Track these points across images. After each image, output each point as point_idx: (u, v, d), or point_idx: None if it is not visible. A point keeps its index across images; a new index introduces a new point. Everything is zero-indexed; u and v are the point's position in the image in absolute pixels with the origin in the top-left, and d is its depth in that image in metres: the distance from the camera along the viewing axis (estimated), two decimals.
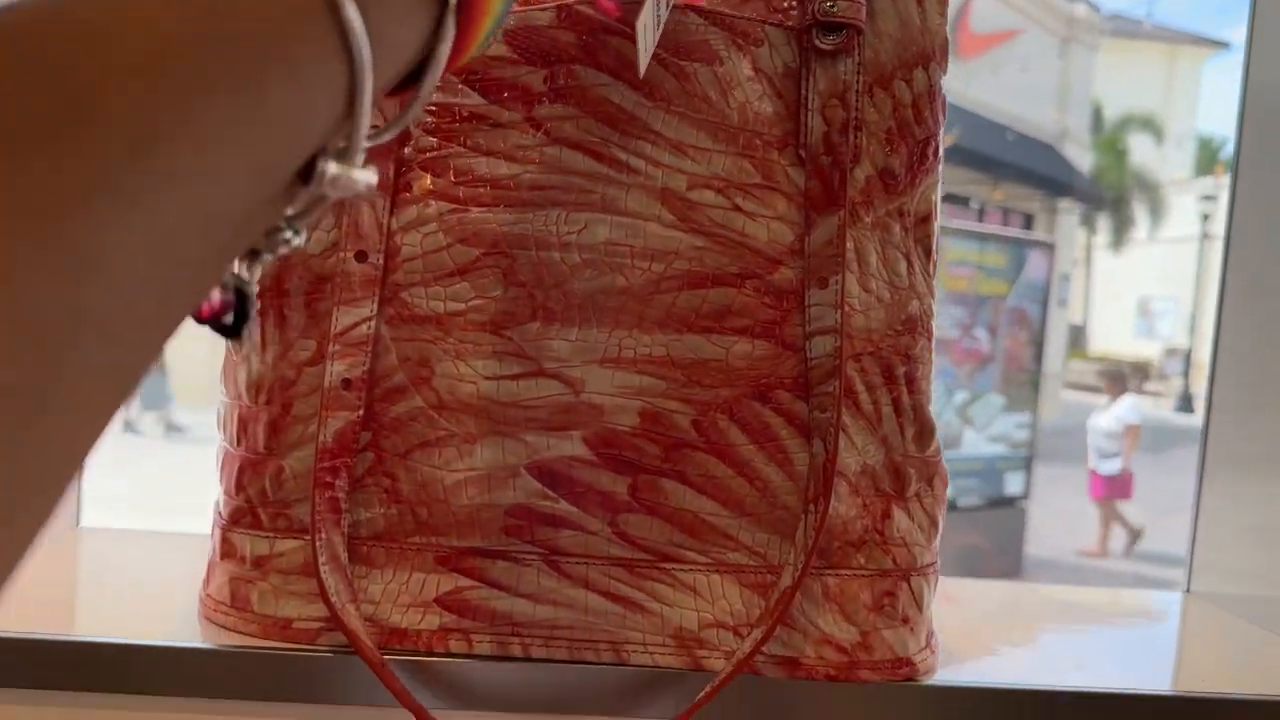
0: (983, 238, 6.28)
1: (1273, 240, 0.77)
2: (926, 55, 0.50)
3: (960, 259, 5.81)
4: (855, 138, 0.50)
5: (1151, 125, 13.97)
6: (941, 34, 0.51)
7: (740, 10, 0.49)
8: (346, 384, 0.49)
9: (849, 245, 0.49)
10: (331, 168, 0.26)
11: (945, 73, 0.51)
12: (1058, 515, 7.08)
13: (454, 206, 0.49)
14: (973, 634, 0.61)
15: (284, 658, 0.49)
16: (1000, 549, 5.80)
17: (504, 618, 0.50)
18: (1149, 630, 0.70)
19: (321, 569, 0.48)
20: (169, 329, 0.22)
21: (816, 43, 0.49)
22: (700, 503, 0.50)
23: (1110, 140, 13.54)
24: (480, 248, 0.49)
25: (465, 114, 0.49)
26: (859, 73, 0.49)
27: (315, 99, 0.24)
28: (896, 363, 0.51)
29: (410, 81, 0.30)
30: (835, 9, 0.49)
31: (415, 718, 0.47)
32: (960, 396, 5.88)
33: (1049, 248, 6.77)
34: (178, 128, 0.20)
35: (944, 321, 5.75)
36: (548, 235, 0.49)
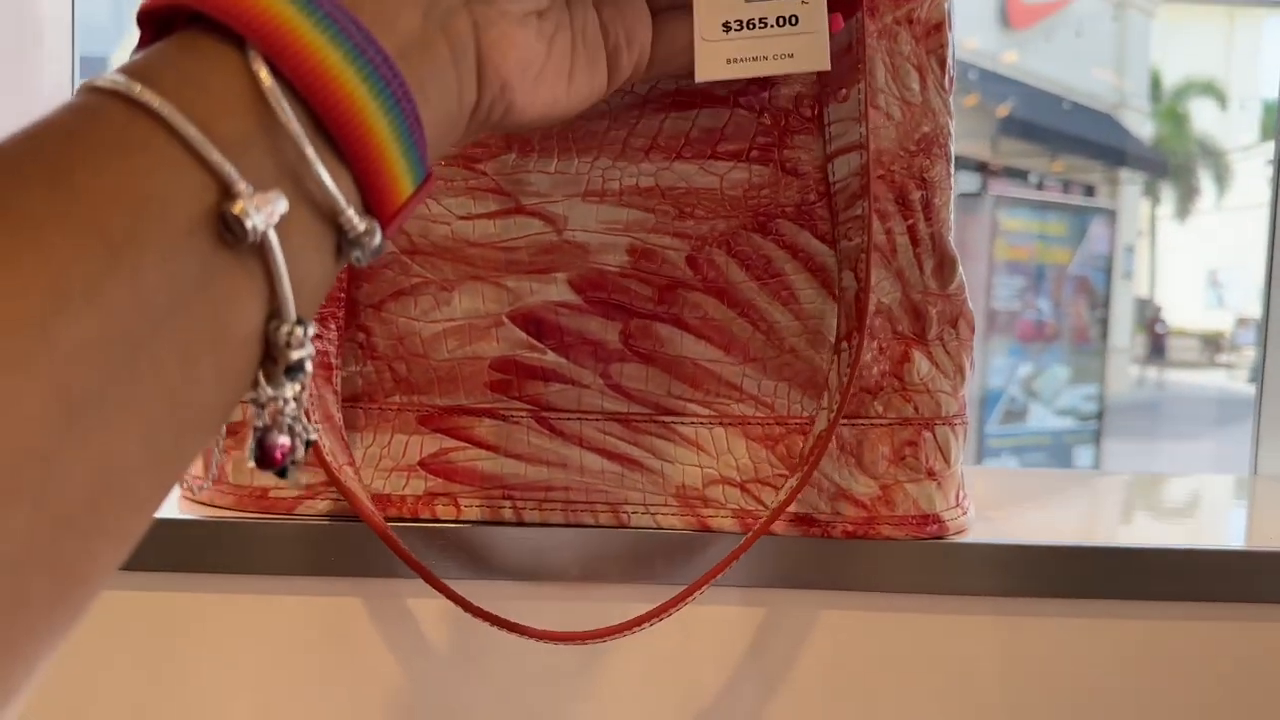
0: (1043, 206, 6.13)
1: None
2: None
3: (1020, 229, 5.66)
4: None
5: (1213, 90, 13.53)
6: None
7: None
8: None
9: None
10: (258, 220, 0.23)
11: None
12: None
13: None
14: (1024, 505, 0.56)
15: (258, 526, 0.46)
16: None
17: (493, 480, 0.47)
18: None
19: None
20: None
21: None
22: (700, 349, 0.46)
23: (1170, 107, 13.14)
24: None
25: None
26: None
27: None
28: (911, 187, 0.46)
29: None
30: None
31: (425, 581, 0.43)
32: (1025, 369, 5.73)
33: (1110, 214, 6.58)
34: None
35: (1005, 292, 5.61)
36: None
